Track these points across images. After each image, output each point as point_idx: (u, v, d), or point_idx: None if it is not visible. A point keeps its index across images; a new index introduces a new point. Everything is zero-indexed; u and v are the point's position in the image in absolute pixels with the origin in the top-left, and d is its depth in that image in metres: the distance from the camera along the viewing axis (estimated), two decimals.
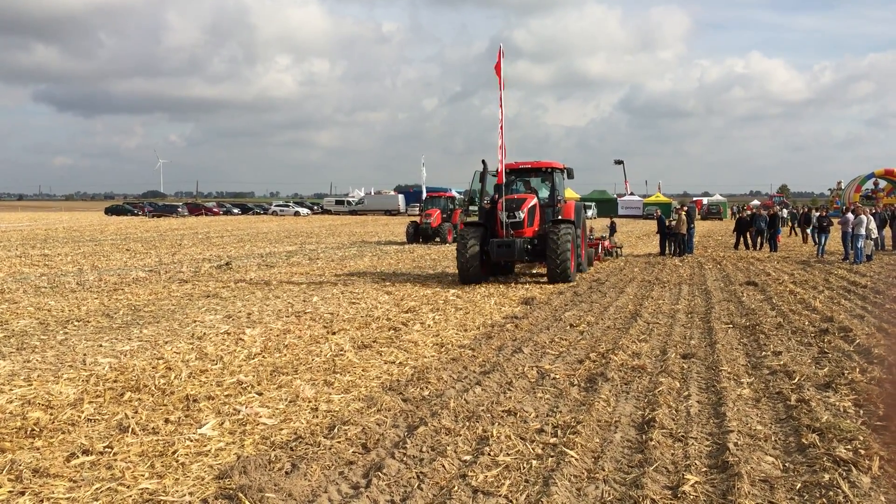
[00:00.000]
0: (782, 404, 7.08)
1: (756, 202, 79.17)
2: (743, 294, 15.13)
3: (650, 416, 6.59)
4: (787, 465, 5.48)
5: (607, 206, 75.83)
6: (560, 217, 18.41)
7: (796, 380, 7.88)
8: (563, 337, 10.51)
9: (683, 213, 26.70)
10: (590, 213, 71.69)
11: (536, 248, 17.51)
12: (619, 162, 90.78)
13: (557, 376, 8.14)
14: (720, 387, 7.63)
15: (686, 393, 7.44)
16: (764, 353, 9.42)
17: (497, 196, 18.07)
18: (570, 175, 19.72)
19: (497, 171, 18.19)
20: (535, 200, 18.23)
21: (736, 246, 29.72)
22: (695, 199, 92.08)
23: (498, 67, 17.10)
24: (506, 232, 17.43)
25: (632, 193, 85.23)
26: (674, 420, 6.55)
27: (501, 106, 17.28)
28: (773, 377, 8.12)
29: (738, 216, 33.43)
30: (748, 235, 29.71)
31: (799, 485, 5.05)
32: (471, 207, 31.68)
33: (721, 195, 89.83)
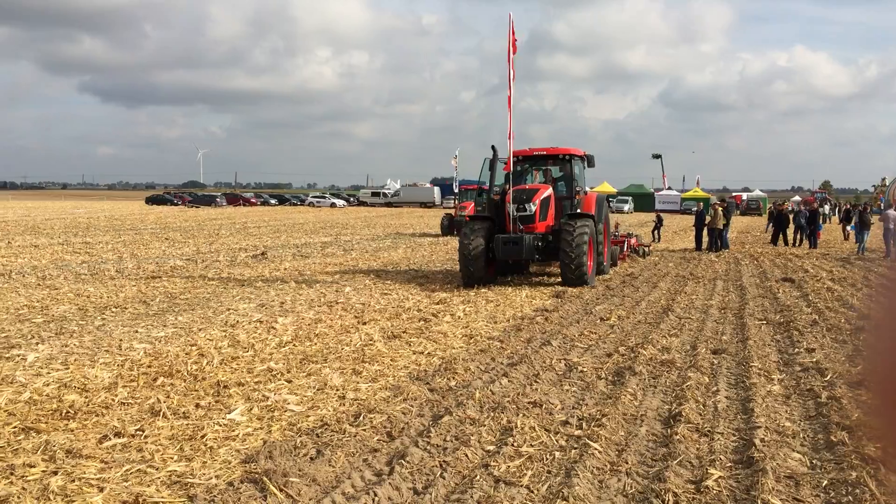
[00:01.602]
0: (812, 401, 7.00)
1: (797, 198, 77.98)
2: (779, 290, 14.94)
3: (677, 410, 6.56)
4: (814, 461, 5.43)
5: (645, 201, 75.14)
6: (579, 211, 16.35)
7: (828, 377, 7.78)
8: (592, 330, 10.48)
9: (720, 208, 26.38)
10: (626, 207, 71.15)
11: (549, 245, 15.62)
12: (656, 156, 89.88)
13: (585, 369, 8.14)
14: (750, 383, 7.57)
15: (715, 388, 7.38)
16: (797, 349, 9.31)
17: (508, 186, 15.98)
18: (591, 163, 17.79)
19: (513, 158, 16.41)
20: (549, 191, 16.22)
21: (774, 242, 29.31)
22: (734, 193, 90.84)
23: (512, 42, 15.30)
24: (514, 227, 15.33)
25: (669, 188, 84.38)
26: (700, 415, 6.51)
27: (511, 82, 15.45)
28: (804, 374, 8.03)
29: (771, 211, 32.92)
30: (787, 231, 29.29)
31: (825, 482, 5.00)
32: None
33: (762, 190, 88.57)
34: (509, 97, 15.40)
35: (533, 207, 15.42)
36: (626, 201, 73.54)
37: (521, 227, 15.27)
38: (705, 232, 26.41)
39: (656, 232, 31.22)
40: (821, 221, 29.36)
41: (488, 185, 16.74)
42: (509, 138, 15.49)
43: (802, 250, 26.71)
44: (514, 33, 15.20)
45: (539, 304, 13.03)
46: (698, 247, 26.69)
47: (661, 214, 34.61)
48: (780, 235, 29.35)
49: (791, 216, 29.76)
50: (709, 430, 6.06)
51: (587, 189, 18.12)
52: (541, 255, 15.59)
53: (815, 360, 8.62)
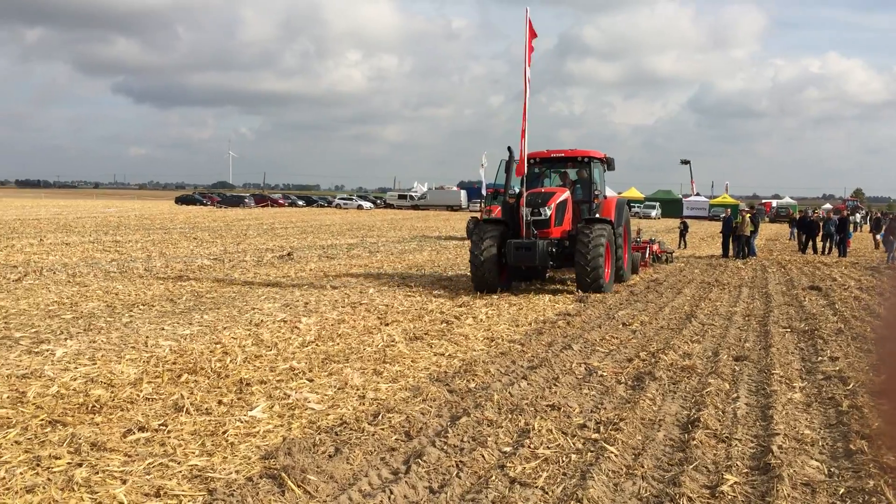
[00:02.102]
0: (833, 409, 6.96)
1: (828, 206, 77.07)
2: (805, 298, 14.81)
3: (695, 416, 6.56)
4: (832, 470, 5.41)
5: (672, 207, 74.71)
6: (598, 216, 15.75)
7: (850, 385, 7.73)
8: (614, 335, 10.47)
9: (748, 215, 26.17)
10: (653, 213, 70.75)
11: (565, 251, 14.94)
12: (685, 162, 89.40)
13: (605, 373, 8.14)
14: (770, 390, 7.54)
15: (735, 395, 7.36)
16: (820, 357, 9.24)
17: (522, 189, 15.36)
18: (611, 166, 17.07)
19: (528, 160, 15.79)
20: (566, 195, 15.52)
21: (803, 250, 29.00)
22: (764, 201, 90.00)
23: (529, 38, 14.49)
24: (528, 232, 14.70)
25: (698, 194, 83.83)
26: (719, 421, 6.50)
27: (527, 80, 14.73)
28: (826, 382, 7.98)
29: (793, 218, 32.57)
30: (816, 239, 28.96)
31: (842, 490, 4.98)
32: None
33: (792, 198, 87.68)
34: (525, 97, 14.81)
35: (548, 212, 14.81)
36: (653, 207, 73.16)
37: (535, 231, 14.70)
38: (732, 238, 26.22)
39: (683, 238, 31.01)
40: (851, 229, 28.95)
41: (504, 187, 16.02)
42: (522, 138, 14.81)
43: (831, 258, 26.42)
44: (532, 29, 14.53)
45: (562, 308, 13.03)
46: (725, 253, 26.50)
47: (687, 220, 34.32)
48: (809, 243, 29.03)
49: (820, 224, 29.43)
50: (727, 437, 6.05)
51: (607, 193, 17.60)
52: (555, 262, 14.96)
53: (837, 368, 8.56)
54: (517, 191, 15.61)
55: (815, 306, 13.76)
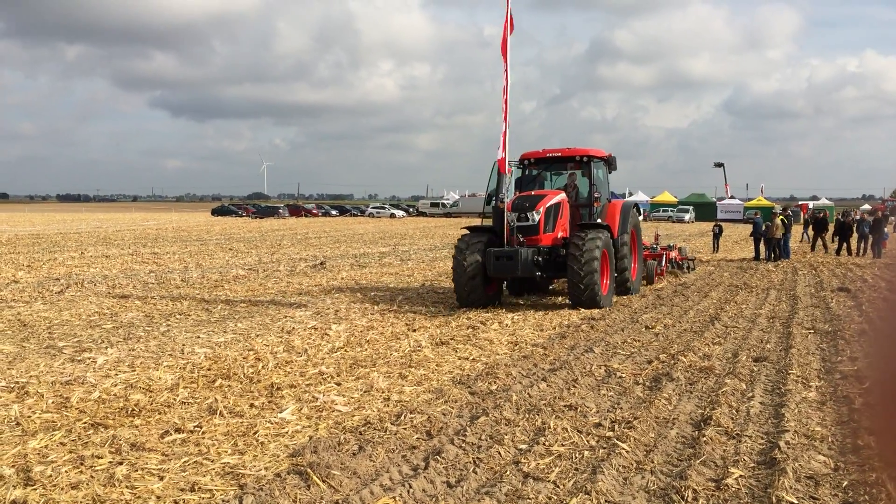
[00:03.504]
0: (847, 408, 7.10)
1: (867, 206, 75.87)
2: (832, 300, 14.84)
3: (708, 414, 6.75)
4: (838, 464, 5.57)
5: (706, 210, 74.18)
6: (599, 221, 14.31)
7: (867, 385, 7.83)
8: (636, 338, 10.66)
9: (778, 217, 26.05)
10: (687, 217, 70.29)
11: (554, 260, 13.48)
12: (719, 164, 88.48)
13: (624, 375, 8.36)
14: (785, 389, 7.70)
15: (750, 394, 7.53)
16: (840, 358, 9.35)
17: (503, 193, 14.10)
18: (614, 166, 15.51)
19: (521, 161, 15.07)
20: (558, 198, 13.96)
21: (837, 251, 28.76)
22: (800, 202, 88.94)
23: (506, 26, 13.49)
24: (510, 239, 13.32)
25: (732, 197, 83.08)
26: (732, 419, 6.69)
27: (507, 66, 13.55)
28: (843, 381, 8.11)
29: (807, 218, 32.25)
30: (850, 241, 28.71)
31: (846, 483, 5.16)
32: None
33: (829, 199, 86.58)
34: (505, 83, 13.57)
35: (536, 217, 13.34)
36: (686, 210, 72.70)
37: (521, 238, 13.24)
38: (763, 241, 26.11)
39: (717, 241, 30.79)
40: (886, 230, 28.60)
41: (496, 192, 14.68)
42: (503, 135, 13.52)
43: (865, 260, 26.19)
44: (509, 12, 13.45)
45: (586, 312, 13.20)
46: (757, 256, 26.41)
47: (721, 224, 34.07)
48: (844, 245, 28.76)
49: (854, 225, 29.16)
50: (737, 434, 6.24)
51: (610, 196, 16.23)
52: (543, 272, 13.45)
53: (856, 368, 8.67)
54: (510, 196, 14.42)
55: (841, 308, 13.80)
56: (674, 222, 67.29)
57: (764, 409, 7.09)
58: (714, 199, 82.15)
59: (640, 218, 17.23)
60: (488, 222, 14.33)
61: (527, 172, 15.50)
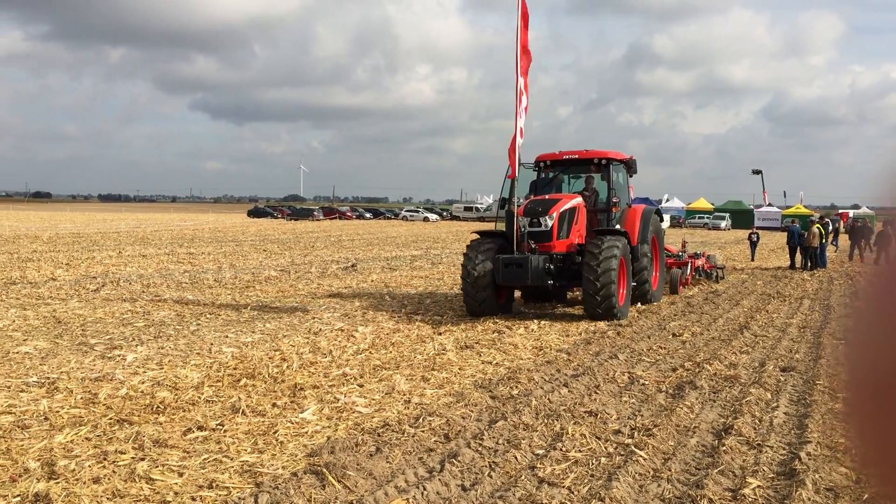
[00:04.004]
0: None
1: None
2: None
3: (731, 423, 6.68)
4: (860, 476, 5.49)
5: (743, 217, 73.26)
6: (618, 227, 13.79)
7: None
8: (662, 346, 10.59)
9: (815, 225, 25.65)
10: (723, 224, 69.51)
11: (568, 267, 12.87)
12: (756, 171, 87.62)
13: (647, 382, 8.30)
14: (811, 400, 7.59)
15: (775, 404, 7.44)
16: None
17: (515, 197, 13.28)
18: (634, 169, 14.89)
19: (537, 164, 14.52)
20: (574, 202, 13.28)
21: (876, 261, 28.25)
22: (840, 210, 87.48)
23: (523, 21, 12.81)
24: (524, 245, 12.61)
25: (770, 204, 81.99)
26: (754, 429, 6.62)
27: (518, 66, 12.91)
28: None
29: (825, 224, 31.57)
30: (889, 249, 28.20)
31: (866, 496, 5.08)
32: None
33: (870, 208, 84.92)
34: (517, 83, 12.92)
35: (549, 222, 12.72)
36: (723, 218, 71.88)
37: (533, 245, 12.61)
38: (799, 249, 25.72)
39: (753, 249, 30.36)
40: None
41: (509, 195, 13.74)
42: (517, 137, 13.01)
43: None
44: (525, 14, 12.92)
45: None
46: (792, 265, 26.03)
47: (759, 231, 33.52)
48: (883, 254, 28.24)
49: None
50: (758, 443, 6.17)
51: (630, 201, 15.53)
52: (556, 280, 12.82)
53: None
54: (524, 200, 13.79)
55: None
56: (710, 229, 66.58)
57: (788, 419, 7.00)
58: (751, 207, 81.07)
59: (675, 225, 16.77)
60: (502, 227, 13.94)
61: (542, 175, 14.96)
